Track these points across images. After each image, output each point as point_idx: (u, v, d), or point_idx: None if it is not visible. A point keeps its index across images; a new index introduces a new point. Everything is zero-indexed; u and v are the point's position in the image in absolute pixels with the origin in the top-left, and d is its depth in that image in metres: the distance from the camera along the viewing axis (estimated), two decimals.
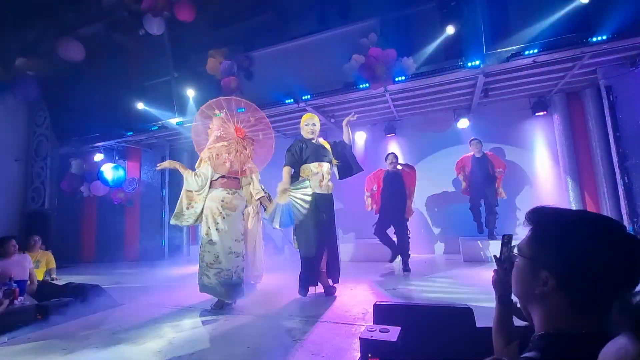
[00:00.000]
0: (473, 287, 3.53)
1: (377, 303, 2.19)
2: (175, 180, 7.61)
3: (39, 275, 4.66)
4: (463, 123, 5.91)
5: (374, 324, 2.11)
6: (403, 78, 4.74)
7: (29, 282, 3.77)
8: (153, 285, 4.46)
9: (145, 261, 7.26)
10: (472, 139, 5.31)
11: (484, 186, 5.11)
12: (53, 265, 5.27)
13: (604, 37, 3.95)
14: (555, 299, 0.66)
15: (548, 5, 4.40)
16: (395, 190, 4.73)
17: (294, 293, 3.39)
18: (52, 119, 8.03)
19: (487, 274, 4.20)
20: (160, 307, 3.28)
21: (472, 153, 5.30)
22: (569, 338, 0.63)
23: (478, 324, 1.98)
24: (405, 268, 4.51)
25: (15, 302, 3.24)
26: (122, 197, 7.77)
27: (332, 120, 6.43)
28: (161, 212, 7.81)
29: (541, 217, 0.73)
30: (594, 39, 3.98)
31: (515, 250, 0.78)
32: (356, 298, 3.30)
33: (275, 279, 4.34)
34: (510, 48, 4.38)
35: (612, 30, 3.97)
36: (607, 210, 4.95)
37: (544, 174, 5.69)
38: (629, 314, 0.49)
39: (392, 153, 4.97)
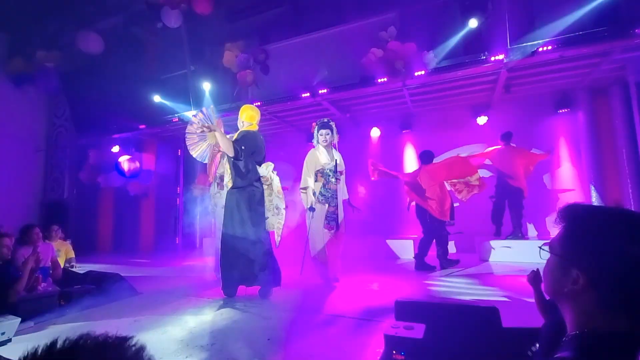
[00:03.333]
0: (493, 287, 3.46)
1: (399, 300, 2.16)
2: (189, 173, 7.69)
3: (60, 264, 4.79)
4: (482, 119, 5.79)
5: (395, 320, 2.09)
6: (423, 72, 4.64)
7: (51, 269, 3.88)
8: (170, 275, 4.52)
9: (160, 252, 7.39)
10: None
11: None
12: (72, 255, 5.40)
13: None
14: (585, 298, 0.65)
15: None
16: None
17: (309, 287, 3.39)
18: (72, 111, 8.19)
19: (505, 273, 4.13)
20: (179, 296, 3.32)
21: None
22: (603, 338, 0.62)
23: (504, 324, 1.94)
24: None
25: (39, 288, 3.33)
26: (137, 188, 7.90)
27: (348, 115, 6.38)
28: (176, 203, 7.91)
29: (574, 214, 0.72)
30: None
31: (547, 247, 0.77)
32: (373, 294, 3.28)
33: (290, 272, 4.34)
34: (535, 42, 4.23)
35: None
36: None
37: (565, 173, 5.53)
38: None
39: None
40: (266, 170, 3.54)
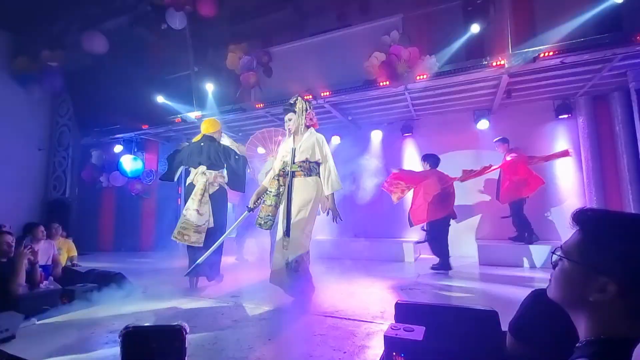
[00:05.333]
0: (493, 291, 3.48)
1: (399, 302, 2.18)
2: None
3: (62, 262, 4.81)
4: (483, 124, 5.82)
5: (395, 322, 2.11)
6: (425, 77, 4.67)
7: (52, 267, 3.90)
8: (171, 274, 4.54)
9: (161, 251, 7.40)
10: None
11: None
12: (74, 253, 5.42)
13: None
14: (613, 305, 0.63)
15: (578, 5, 4.27)
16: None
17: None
18: (75, 110, 8.24)
19: (505, 277, 4.14)
20: (180, 296, 3.35)
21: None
22: (620, 344, 0.61)
23: (503, 328, 1.96)
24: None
25: (41, 286, 3.36)
26: (139, 188, 7.94)
27: (349, 118, 6.41)
28: (177, 203, 7.94)
29: (594, 220, 0.70)
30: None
31: (559, 253, 0.74)
32: (373, 296, 3.29)
33: None
34: (537, 48, 4.27)
35: None
36: None
37: (566, 179, 5.55)
38: None
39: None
40: (191, 176, 3.92)
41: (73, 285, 3.32)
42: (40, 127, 8.25)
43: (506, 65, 4.35)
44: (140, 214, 8.21)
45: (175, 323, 0.81)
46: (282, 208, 3.04)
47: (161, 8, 6.23)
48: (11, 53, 7.68)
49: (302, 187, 3.01)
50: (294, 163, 3.04)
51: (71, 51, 7.38)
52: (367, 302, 3.05)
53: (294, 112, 3.12)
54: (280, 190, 3.04)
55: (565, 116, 5.48)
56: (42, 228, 3.82)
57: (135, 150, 8.07)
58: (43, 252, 3.76)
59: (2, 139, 7.30)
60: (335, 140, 6.86)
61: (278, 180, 3.06)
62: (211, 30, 6.83)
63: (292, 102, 3.16)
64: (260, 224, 3.03)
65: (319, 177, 3.10)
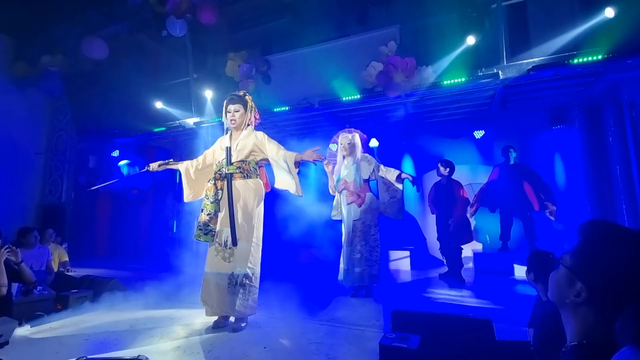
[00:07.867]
0: (488, 300, 3.49)
1: (395, 310, 2.19)
2: None
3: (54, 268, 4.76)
4: (479, 133, 5.90)
5: (390, 330, 2.12)
6: (422, 86, 4.75)
7: (46, 272, 3.88)
8: (167, 281, 4.50)
9: (157, 257, 7.36)
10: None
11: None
12: (66, 259, 5.37)
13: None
14: (585, 311, 0.68)
15: (571, 18, 4.38)
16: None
17: (305, 294, 3.42)
18: (73, 115, 8.24)
19: (501, 286, 4.15)
20: (175, 303, 3.33)
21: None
22: (599, 348, 0.64)
23: (498, 337, 1.97)
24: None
25: (35, 291, 3.33)
26: (136, 193, 7.91)
27: (347, 126, 6.46)
28: (173, 209, 7.91)
29: (590, 231, 0.75)
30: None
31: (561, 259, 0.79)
32: (369, 304, 3.29)
33: (284, 279, 4.34)
34: (531, 60, 4.36)
35: (637, 45, 3.93)
36: None
37: (560, 188, 5.61)
38: (632, 325, 0.53)
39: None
40: None
41: (67, 291, 3.30)
42: (38, 131, 8.23)
43: (501, 77, 4.43)
44: (137, 220, 8.17)
45: (136, 355, 0.78)
46: (222, 215, 2.68)
47: (162, 15, 6.29)
48: (11, 57, 7.70)
49: (243, 191, 2.70)
50: (231, 164, 2.72)
51: (71, 56, 7.42)
52: (363, 310, 3.04)
53: (243, 104, 2.82)
54: (219, 196, 2.68)
55: (559, 126, 5.56)
56: (35, 233, 3.79)
57: (133, 155, 8.06)
58: (36, 257, 3.74)
59: (0, 142, 7.28)
60: (333, 148, 6.90)
61: (215, 184, 2.68)
62: (211, 38, 6.90)
63: (240, 94, 2.91)
64: (199, 236, 2.61)
65: (260, 179, 2.83)
